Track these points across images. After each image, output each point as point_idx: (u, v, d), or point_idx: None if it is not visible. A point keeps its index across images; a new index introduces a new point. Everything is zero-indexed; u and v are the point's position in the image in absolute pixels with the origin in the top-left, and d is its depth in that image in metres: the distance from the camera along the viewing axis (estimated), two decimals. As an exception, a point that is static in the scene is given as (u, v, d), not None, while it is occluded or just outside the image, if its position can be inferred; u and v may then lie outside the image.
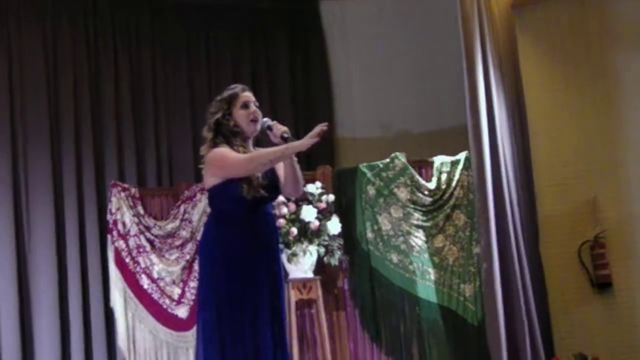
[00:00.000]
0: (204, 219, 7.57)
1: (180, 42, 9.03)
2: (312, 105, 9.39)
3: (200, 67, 9.08)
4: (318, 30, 9.51)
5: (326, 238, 7.36)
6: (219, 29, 9.18)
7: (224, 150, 5.00)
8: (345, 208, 7.64)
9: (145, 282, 7.56)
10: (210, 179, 5.00)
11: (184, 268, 7.61)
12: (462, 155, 7.69)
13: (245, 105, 5.10)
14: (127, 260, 7.56)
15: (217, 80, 8.96)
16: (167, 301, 7.56)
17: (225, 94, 5.13)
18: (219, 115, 5.06)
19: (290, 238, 7.26)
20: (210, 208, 5.13)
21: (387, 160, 7.73)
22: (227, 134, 5.06)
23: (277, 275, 5.09)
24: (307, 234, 7.31)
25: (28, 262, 7.93)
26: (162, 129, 8.79)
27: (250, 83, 9.04)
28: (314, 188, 7.46)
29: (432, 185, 7.67)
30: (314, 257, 7.37)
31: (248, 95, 5.14)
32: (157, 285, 7.58)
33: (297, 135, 4.81)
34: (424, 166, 7.78)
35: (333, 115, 9.38)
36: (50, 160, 8.21)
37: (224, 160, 4.96)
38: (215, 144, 5.04)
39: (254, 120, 5.11)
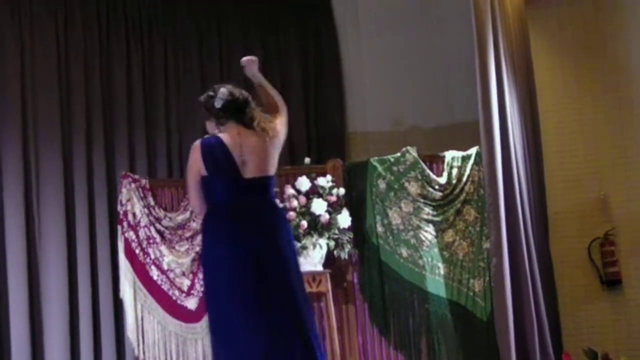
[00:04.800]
0: (215, 210, 7.59)
1: (191, 34, 9.02)
2: (323, 99, 9.37)
3: (212, 58, 9.06)
4: (330, 22, 9.48)
5: (336, 231, 7.35)
6: (230, 20, 9.17)
7: None
8: (355, 202, 7.62)
9: (154, 274, 7.56)
10: None
11: (193, 260, 7.60)
12: (473, 150, 7.68)
13: None
14: (137, 251, 7.56)
15: (228, 73, 8.96)
16: (177, 292, 7.57)
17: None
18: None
19: (301, 231, 7.25)
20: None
21: (398, 154, 7.72)
22: None
23: (274, 256, 5.04)
24: (317, 227, 7.30)
25: (38, 252, 7.94)
26: (173, 120, 8.79)
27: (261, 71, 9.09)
28: (325, 181, 7.45)
29: (442, 180, 7.65)
30: (324, 251, 7.36)
31: None
32: (167, 277, 7.58)
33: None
34: (434, 161, 7.77)
35: (344, 109, 9.38)
36: (61, 151, 8.21)
37: None
38: None
39: None
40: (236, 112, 5.09)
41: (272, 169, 5.09)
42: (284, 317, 4.91)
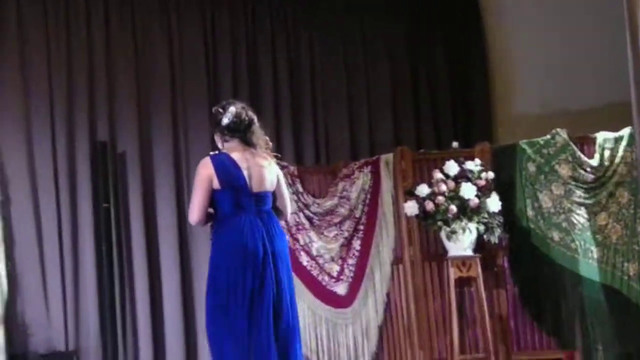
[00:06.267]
0: (362, 196, 7.64)
1: (336, 26, 9.11)
2: (470, 83, 9.35)
3: (354, 46, 9.15)
4: (474, 6, 9.43)
5: (486, 215, 7.29)
6: (373, 9, 9.21)
7: None
8: (504, 185, 7.54)
9: (304, 259, 7.66)
10: None
11: (342, 245, 7.68)
12: (625, 131, 7.50)
13: None
14: (287, 237, 7.66)
15: (373, 62, 9.05)
16: (326, 278, 7.65)
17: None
18: None
19: (449, 215, 7.24)
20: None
21: (548, 136, 7.60)
22: None
23: None
24: (466, 211, 7.26)
25: (191, 250, 8.24)
26: (320, 110, 8.91)
27: (407, 58, 9.12)
28: (473, 165, 7.40)
29: (594, 162, 7.50)
30: (474, 235, 7.32)
31: None
32: (316, 262, 7.67)
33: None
34: (585, 143, 7.61)
35: (490, 93, 9.32)
36: (209, 142, 8.40)
37: None
38: None
39: None
40: (240, 132, 5.28)
41: (270, 187, 5.31)
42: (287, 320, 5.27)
